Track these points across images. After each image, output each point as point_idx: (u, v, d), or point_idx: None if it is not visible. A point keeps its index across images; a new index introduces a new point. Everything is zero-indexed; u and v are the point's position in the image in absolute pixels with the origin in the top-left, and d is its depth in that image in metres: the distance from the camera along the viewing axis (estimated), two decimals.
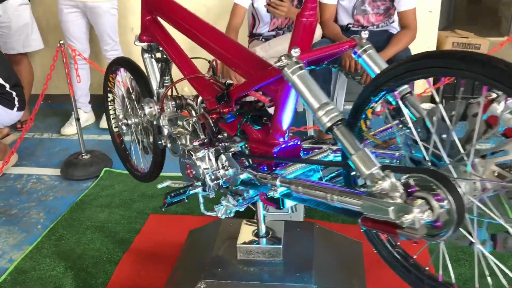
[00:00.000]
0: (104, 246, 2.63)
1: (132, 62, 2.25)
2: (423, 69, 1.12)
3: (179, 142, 1.89)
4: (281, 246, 1.96)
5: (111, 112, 2.54)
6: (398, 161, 1.40)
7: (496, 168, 1.14)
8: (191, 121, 1.86)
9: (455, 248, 2.38)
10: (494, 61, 0.99)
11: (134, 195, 3.14)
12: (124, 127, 2.31)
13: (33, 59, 4.65)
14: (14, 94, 3.23)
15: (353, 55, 1.59)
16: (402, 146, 1.27)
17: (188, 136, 1.88)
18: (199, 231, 2.38)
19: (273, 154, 1.60)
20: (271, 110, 1.66)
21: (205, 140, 1.79)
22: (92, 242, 2.67)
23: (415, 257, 1.43)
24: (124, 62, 2.30)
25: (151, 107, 2.05)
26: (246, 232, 2.06)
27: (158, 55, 2.17)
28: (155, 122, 2.07)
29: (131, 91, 2.25)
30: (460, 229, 1.16)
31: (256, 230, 2.02)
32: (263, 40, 3.57)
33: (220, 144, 1.71)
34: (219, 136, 1.78)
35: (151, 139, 2.22)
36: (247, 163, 1.68)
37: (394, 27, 3.51)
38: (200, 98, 1.93)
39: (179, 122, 1.99)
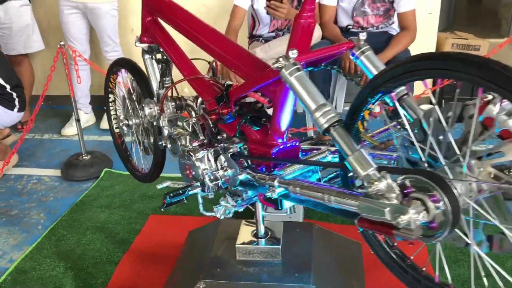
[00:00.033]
0: (104, 246, 2.64)
1: (133, 63, 2.26)
2: (419, 70, 1.13)
3: (179, 143, 1.90)
4: (280, 247, 1.96)
5: (112, 112, 2.55)
6: (395, 162, 1.41)
7: (492, 170, 1.15)
8: (190, 122, 1.87)
9: (454, 249, 2.39)
10: (490, 63, 0.99)
11: (134, 196, 3.15)
12: (125, 128, 2.32)
13: (34, 60, 4.66)
14: (14, 95, 3.24)
15: (351, 57, 1.60)
16: (399, 147, 1.27)
17: (188, 137, 1.89)
18: (199, 232, 2.39)
19: (271, 155, 1.61)
20: (270, 111, 1.67)
21: (205, 141, 1.79)
22: (92, 243, 2.68)
23: (412, 257, 1.44)
24: (125, 63, 2.31)
25: (151, 108, 2.06)
26: (245, 232, 2.06)
27: (159, 56, 2.18)
28: (155, 123, 2.08)
29: (132, 92, 2.26)
30: (456, 230, 1.17)
31: (255, 231, 2.03)
32: (263, 41, 3.58)
33: (219, 145, 1.72)
34: (219, 137, 1.79)
35: (152, 140, 2.23)
36: (245, 164, 1.69)
37: (394, 29, 3.52)
38: (200, 99, 1.94)
39: (179, 123, 2.00)
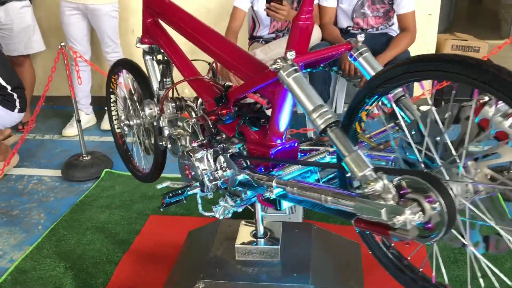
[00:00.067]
0: (104, 246, 2.65)
1: (134, 64, 2.27)
2: (416, 72, 1.14)
3: (179, 143, 1.91)
4: (279, 247, 1.97)
5: (113, 113, 2.56)
6: (393, 163, 1.42)
7: (489, 171, 1.16)
8: (190, 123, 1.88)
9: (453, 250, 2.40)
10: (484, 65, 1.00)
11: (134, 196, 3.15)
12: (126, 128, 2.33)
13: (35, 60, 4.67)
14: (15, 95, 3.25)
15: (349, 58, 1.60)
16: (396, 148, 1.28)
17: (187, 137, 1.90)
18: (198, 232, 2.40)
19: (270, 156, 1.62)
20: (269, 112, 1.68)
21: (204, 142, 1.80)
22: (92, 243, 2.68)
23: (409, 258, 1.44)
24: (126, 64, 2.32)
25: (151, 109, 2.07)
26: (244, 232, 2.07)
27: (159, 57, 2.19)
28: (155, 123, 2.09)
29: (133, 92, 2.27)
30: (453, 230, 1.17)
31: (254, 231, 2.04)
32: (263, 42, 3.59)
33: (218, 146, 1.73)
34: (218, 138, 1.80)
35: (152, 140, 2.24)
36: (244, 164, 1.70)
37: (394, 30, 3.52)
38: (200, 100, 1.95)
39: (179, 123, 2.01)
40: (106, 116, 4.35)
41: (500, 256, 2.34)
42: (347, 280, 2.09)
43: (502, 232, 1.12)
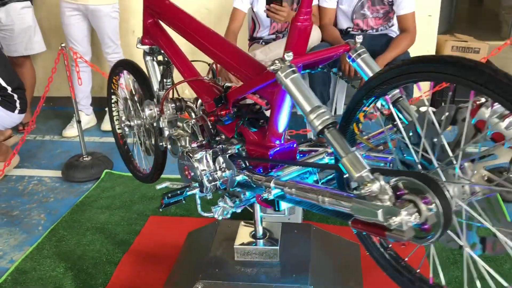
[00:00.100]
0: (104, 247, 2.65)
1: (135, 65, 2.28)
2: (412, 73, 1.14)
3: (179, 144, 1.91)
4: (278, 248, 1.97)
5: (114, 113, 2.56)
6: (391, 165, 1.42)
7: (486, 172, 1.16)
8: (190, 123, 1.88)
9: (452, 251, 2.40)
10: (480, 66, 1.00)
11: (134, 197, 3.16)
12: (126, 129, 2.33)
13: (36, 61, 4.68)
14: (15, 96, 3.25)
15: (347, 59, 1.61)
16: (393, 149, 1.29)
17: (187, 138, 1.90)
18: (198, 233, 2.40)
19: (269, 156, 1.62)
20: (268, 113, 1.68)
21: (203, 142, 1.81)
22: (92, 243, 2.69)
23: (406, 259, 1.45)
24: (127, 65, 2.33)
25: (151, 109, 2.07)
26: (243, 233, 2.08)
27: (160, 57, 2.20)
28: (155, 124, 2.10)
29: (133, 93, 2.28)
30: (449, 232, 1.18)
31: (254, 232, 2.04)
32: (263, 43, 3.60)
33: (218, 146, 1.73)
34: (217, 138, 1.81)
35: (153, 141, 2.25)
36: (243, 165, 1.70)
37: (394, 31, 3.53)
38: (199, 101, 1.95)
39: (179, 124, 2.01)
40: (106, 117, 4.36)
41: (500, 257, 2.34)
42: (346, 280, 2.09)
43: (498, 234, 1.12)
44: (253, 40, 3.72)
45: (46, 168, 3.71)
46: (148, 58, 2.20)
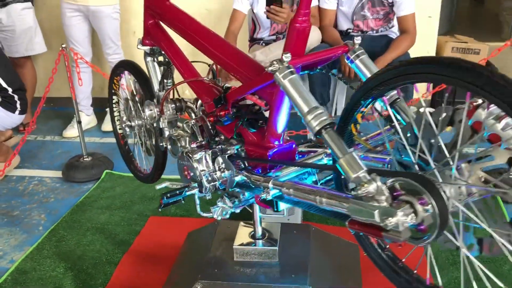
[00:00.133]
0: (104, 247, 2.66)
1: (136, 65, 2.29)
2: (410, 74, 1.15)
3: (179, 144, 1.92)
4: (277, 248, 1.98)
5: (115, 114, 2.57)
6: (389, 166, 1.43)
7: (482, 173, 1.16)
8: (190, 124, 1.89)
9: (452, 252, 2.40)
10: (477, 68, 1.01)
11: (134, 197, 3.16)
12: (127, 129, 2.34)
13: (37, 62, 4.69)
14: (16, 97, 3.26)
15: (346, 60, 1.61)
16: (391, 150, 1.29)
17: (187, 138, 1.91)
18: (198, 233, 2.41)
19: (267, 157, 1.63)
20: (267, 114, 1.69)
21: (203, 143, 1.81)
22: (92, 244, 2.70)
23: (403, 260, 1.45)
24: (128, 65, 2.34)
25: (151, 110, 2.08)
26: (243, 233, 2.09)
27: (161, 58, 2.20)
28: (155, 124, 2.11)
29: (134, 93, 2.29)
30: (447, 233, 1.18)
31: (253, 232, 2.05)
32: (264, 44, 3.60)
33: (217, 147, 1.74)
34: (217, 139, 1.81)
35: (154, 141, 2.26)
36: (242, 166, 1.71)
37: (394, 32, 3.53)
38: (199, 101, 1.96)
39: (179, 124, 2.02)
40: (106, 118, 4.37)
41: (499, 259, 2.34)
42: (345, 281, 2.10)
43: (494, 235, 1.12)
44: (253, 41, 3.73)
45: (46, 168, 3.72)
46: (148, 59, 2.21)
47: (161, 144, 2.05)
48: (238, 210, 1.77)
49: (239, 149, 1.74)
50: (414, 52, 3.39)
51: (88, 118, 4.43)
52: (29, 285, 2.40)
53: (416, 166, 1.22)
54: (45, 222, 2.96)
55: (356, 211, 1.18)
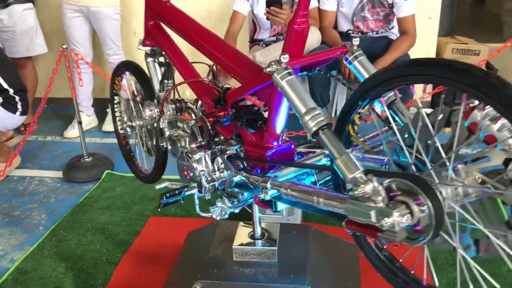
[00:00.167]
0: (104, 247, 2.67)
1: (137, 66, 2.30)
2: (407, 76, 1.16)
3: (179, 144, 1.93)
4: (276, 248, 1.99)
5: (117, 114, 2.58)
6: (387, 166, 1.43)
7: (479, 174, 1.17)
8: (190, 124, 1.90)
9: (451, 253, 2.40)
10: (473, 69, 1.02)
11: (134, 198, 3.17)
12: (128, 129, 2.35)
13: (38, 62, 4.70)
14: (17, 98, 3.27)
15: (344, 62, 1.62)
16: (388, 151, 1.30)
17: (187, 139, 1.92)
18: (197, 233, 2.42)
19: (266, 157, 1.64)
20: (267, 114, 1.70)
21: (203, 143, 1.82)
22: (92, 244, 2.71)
23: (401, 260, 1.46)
24: (129, 66, 2.35)
25: (151, 110, 2.09)
26: (242, 234, 2.09)
27: (161, 59, 2.21)
28: (155, 125, 2.12)
29: (135, 94, 2.30)
30: (443, 233, 1.19)
31: (252, 232, 2.06)
32: (264, 45, 3.61)
33: (216, 147, 1.75)
34: (216, 139, 1.82)
35: (154, 141, 2.27)
36: (241, 166, 1.72)
37: (394, 33, 3.54)
38: (199, 102, 1.97)
39: (180, 125, 2.03)
40: (107, 118, 4.38)
41: (498, 259, 2.34)
42: (345, 281, 2.10)
43: (490, 236, 1.13)
44: (253, 42, 3.74)
45: (47, 168, 3.73)
46: (149, 59, 2.22)
47: (162, 144, 2.06)
48: (237, 210, 1.78)
49: (238, 150, 1.75)
50: (414, 53, 3.40)
51: (88, 119, 4.44)
52: (30, 284, 2.41)
53: (413, 167, 1.23)
54: (46, 222, 2.97)
55: (352, 211, 1.19)
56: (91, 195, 3.25)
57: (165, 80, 2.17)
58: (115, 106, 2.56)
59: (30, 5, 4.10)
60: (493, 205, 1.18)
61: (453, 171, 1.16)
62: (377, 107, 1.51)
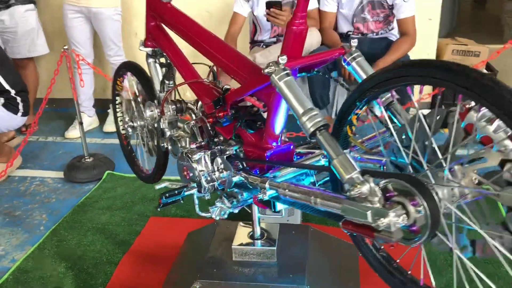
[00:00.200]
0: (104, 247, 2.68)
1: (139, 67, 2.31)
2: (403, 77, 1.17)
3: (179, 145, 1.94)
4: (275, 248, 1.99)
5: (118, 114, 2.59)
6: (384, 167, 1.44)
7: (476, 175, 1.18)
8: (190, 124, 1.91)
9: (450, 253, 2.40)
10: (467, 70, 1.02)
11: (135, 198, 3.18)
12: (130, 130, 2.36)
13: (39, 63, 4.71)
14: (18, 99, 3.28)
15: (343, 63, 1.63)
16: (385, 152, 1.31)
17: (187, 139, 1.93)
18: (197, 233, 2.42)
19: (265, 158, 1.65)
20: (266, 115, 1.70)
21: (202, 143, 1.83)
22: (92, 244, 2.71)
23: (398, 260, 1.47)
24: (131, 67, 2.36)
25: (151, 110, 2.11)
26: (241, 234, 2.10)
27: (162, 60, 2.22)
28: (156, 125, 2.13)
29: (137, 94, 2.31)
30: (439, 234, 1.19)
31: (251, 232, 2.06)
32: (264, 46, 3.62)
33: (216, 147, 1.76)
34: (216, 140, 1.83)
35: (155, 141, 2.28)
36: (240, 166, 1.73)
37: (394, 34, 3.55)
38: (200, 102, 1.98)
39: (180, 125, 2.04)
40: (108, 119, 4.38)
41: (497, 260, 2.35)
42: (344, 281, 2.11)
43: (486, 236, 1.13)
44: (254, 43, 3.75)
45: (48, 169, 3.74)
46: (150, 60, 2.23)
47: (162, 144, 2.07)
48: (236, 210, 1.79)
49: (238, 150, 1.76)
50: (415, 55, 3.41)
51: (89, 119, 4.45)
52: (30, 284, 2.42)
53: (410, 168, 1.23)
54: (47, 222, 2.98)
55: (349, 211, 1.19)
56: (91, 195, 3.25)
57: (166, 81, 2.18)
58: (117, 106, 2.57)
59: (31, 6, 4.11)
60: (490, 206, 1.19)
61: (449, 172, 1.17)
62: (376, 108, 1.52)
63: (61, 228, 2.87)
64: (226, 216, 1.79)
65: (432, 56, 4.35)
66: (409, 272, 1.42)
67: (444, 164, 1.15)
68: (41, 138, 4.37)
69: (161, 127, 2.06)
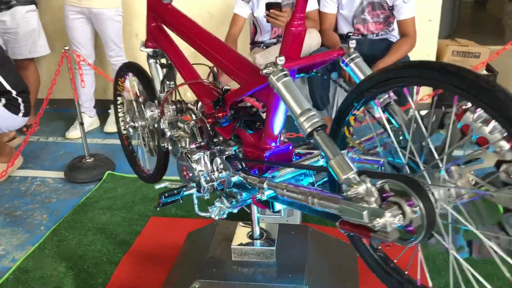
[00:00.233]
0: (104, 247, 2.68)
1: (140, 67, 2.32)
2: (401, 78, 1.17)
3: (179, 145, 1.95)
4: (274, 248, 2.00)
5: (120, 115, 2.60)
6: (382, 168, 1.45)
7: (472, 176, 1.19)
8: (190, 125, 1.92)
9: (448, 254, 2.41)
10: (463, 72, 1.03)
11: (135, 198, 3.18)
12: (131, 130, 2.37)
13: (40, 64, 4.72)
14: (20, 100, 3.29)
15: (341, 64, 1.64)
16: (382, 153, 1.31)
17: (187, 139, 1.93)
18: (197, 233, 2.43)
19: (264, 158, 1.65)
20: (265, 116, 1.71)
21: (202, 143, 1.84)
22: (93, 244, 2.72)
23: (395, 261, 1.47)
24: (132, 67, 2.37)
25: (152, 111, 2.12)
26: (241, 234, 2.10)
27: (163, 60, 2.24)
28: (156, 125, 2.14)
29: (138, 95, 2.32)
30: (436, 234, 1.20)
31: (251, 232, 2.07)
32: (264, 47, 3.63)
33: (215, 147, 1.77)
34: (215, 140, 1.84)
35: (156, 142, 2.29)
36: (240, 166, 1.74)
37: (394, 36, 3.55)
38: (200, 103, 1.99)
39: (180, 125, 2.05)
40: (109, 119, 4.40)
41: (494, 261, 2.35)
42: (343, 282, 2.11)
43: (482, 237, 1.14)
44: (254, 44, 3.76)
45: (49, 169, 3.75)
46: (151, 60, 2.25)
47: (163, 144, 2.08)
48: (235, 210, 1.79)
49: (237, 150, 1.76)
50: (415, 56, 3.42)
51: (90, 120, 4.46)
52: (31, 284, 2.42)
53: (407, 168, 1.24)
54: (47, 222, 2.99)
55: (346, 211, 1.20)
56: (92, 195, 3.26)
57: (166, 81, 2.19)
58: (118, 107, 2.58)
59: (33, 7, 4.12)
60: (486, 206, 1.19)
61: (446, 173, 1.17)
62: (373, 109, 1.53)
63: (61, 228, 2.88)
64: (225, 216, 1.80)
65: (432, 57, 4.35)
66: (406, 273, 1.42)
67: (440, 165, 1.16)
68: (42, 139, 4.38)
69: (162, 127, 2.07)
